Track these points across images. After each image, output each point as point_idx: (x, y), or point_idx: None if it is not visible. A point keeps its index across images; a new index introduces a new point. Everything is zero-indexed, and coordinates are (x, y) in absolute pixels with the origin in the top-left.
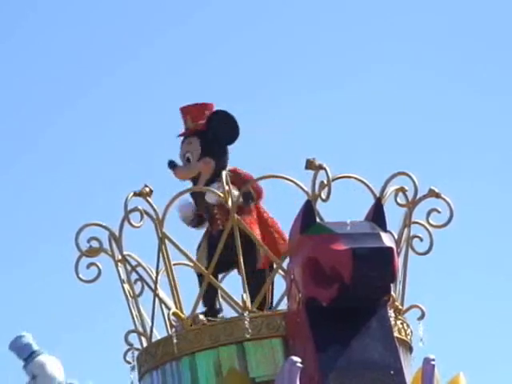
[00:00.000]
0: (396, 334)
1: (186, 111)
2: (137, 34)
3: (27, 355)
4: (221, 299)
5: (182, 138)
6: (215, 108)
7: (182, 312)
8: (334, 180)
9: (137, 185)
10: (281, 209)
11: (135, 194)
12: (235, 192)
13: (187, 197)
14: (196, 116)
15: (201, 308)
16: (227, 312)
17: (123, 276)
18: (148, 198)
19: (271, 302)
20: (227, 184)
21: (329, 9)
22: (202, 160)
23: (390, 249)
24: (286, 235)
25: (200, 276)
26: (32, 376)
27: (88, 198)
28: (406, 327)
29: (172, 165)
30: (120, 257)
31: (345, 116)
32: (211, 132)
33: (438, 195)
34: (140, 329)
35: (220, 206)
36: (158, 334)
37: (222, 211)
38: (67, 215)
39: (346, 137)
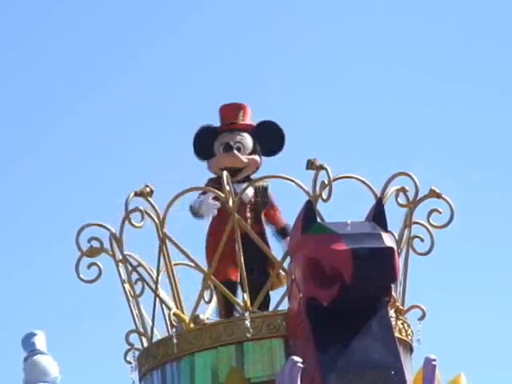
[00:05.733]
0: (397, 334)
1: (236, 107)
2: (136, 35)
3: (27, 353)
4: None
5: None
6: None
7: (182, 312)
8: (334, 180)
9: (137, 185)
10: (281, 209)
11: (136, 194)
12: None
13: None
14: (245, 115)
15: (202, 308)
16: None
17: (124, 276)
18: (149, 198)
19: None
20: (228, 184)
21: (328, 7)
22: (253, 156)
23: (391, 249)
24: None
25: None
26: (25, 373)
27: (88, 198)
28: (406, 327)
29: (229, 147)
30: (121, 257)
31: (345, 116)
32: (261, 138)
33: (438, 195)
34: (141, 329)
35: (251, 206)
36: (159, 334)
37: (252, 211)
38: (68, 215)
39: (346, 137)
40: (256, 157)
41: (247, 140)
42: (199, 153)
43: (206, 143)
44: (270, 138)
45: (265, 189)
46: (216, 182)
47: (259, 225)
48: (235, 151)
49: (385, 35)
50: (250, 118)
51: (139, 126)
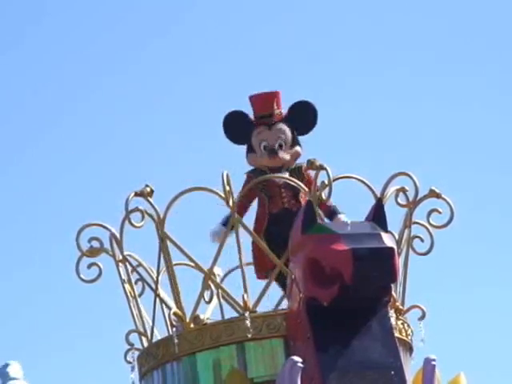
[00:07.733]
0: (396, 334)
1: (269, 97)
2: (136, 35)
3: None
4: (221, 299)
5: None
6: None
7: (182, 312)
8: (334, 180)
9: (137, 185)
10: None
11: (136, 194)
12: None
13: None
14: (279, 104)
15: (202, 308)
16: (227, 312)
17: (124, 276)
18: (149, 198)
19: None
20: (228, 184)
21: (329, 7)
22: (295, 148)
23: (391, 249)
24: None
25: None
26: None
27: (89, 197)
28: (406, 327)
29: (273, 151)
30: (121, 257)
31: (345, 116)
32: (295, 122)
33: (438, 195)
34: (141, 329)
35: (286, 186)
36: (159, 334)
37: (288, 191)
38: (68, 215)
39: (346, 137)
40: (297, 148)
41: (287, 133)
42: (233, 136)
43: (241, 129)
44: (303, 119)
45: (299, 169)
46: (257, 173)
47: (298, 203)
48: (280, 154)
49: (385, 35)
50: (282, 105)
51: (139, 125)
